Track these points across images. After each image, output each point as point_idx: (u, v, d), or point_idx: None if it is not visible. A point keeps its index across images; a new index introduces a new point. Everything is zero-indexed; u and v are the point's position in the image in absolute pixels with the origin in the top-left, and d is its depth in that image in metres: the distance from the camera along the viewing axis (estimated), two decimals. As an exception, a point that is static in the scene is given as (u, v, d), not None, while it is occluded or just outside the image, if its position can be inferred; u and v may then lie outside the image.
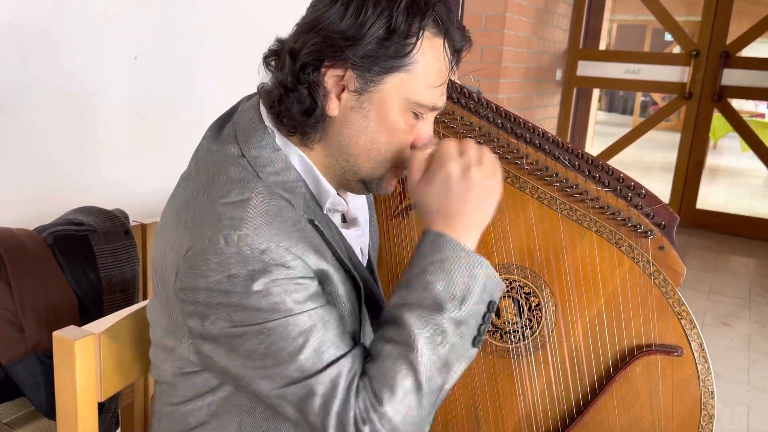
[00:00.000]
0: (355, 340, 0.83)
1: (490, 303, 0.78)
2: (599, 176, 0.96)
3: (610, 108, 14.27)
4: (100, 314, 1.27)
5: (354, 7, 0.76)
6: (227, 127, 0.86)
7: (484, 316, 0.78)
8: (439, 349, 0.75)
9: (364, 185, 0.87)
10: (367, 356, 0.80)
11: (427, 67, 0.80)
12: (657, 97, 11.40)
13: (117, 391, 0.96)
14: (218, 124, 0.88)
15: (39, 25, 1.60)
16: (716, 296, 3.47)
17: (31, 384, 1.19)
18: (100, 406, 1.05)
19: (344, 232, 0.90)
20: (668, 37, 10.40)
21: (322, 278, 0.80)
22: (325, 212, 0.85)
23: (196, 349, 0.82)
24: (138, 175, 1.93)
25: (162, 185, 1.92)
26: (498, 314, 1.00)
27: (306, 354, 0.74)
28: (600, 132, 9.28)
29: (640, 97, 12.38)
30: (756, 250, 4.36)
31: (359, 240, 0.95)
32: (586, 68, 5.00)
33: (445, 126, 1.02)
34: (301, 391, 0.75)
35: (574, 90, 5.12)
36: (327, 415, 0.74)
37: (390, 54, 0.77)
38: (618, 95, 13.93)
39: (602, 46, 5.61)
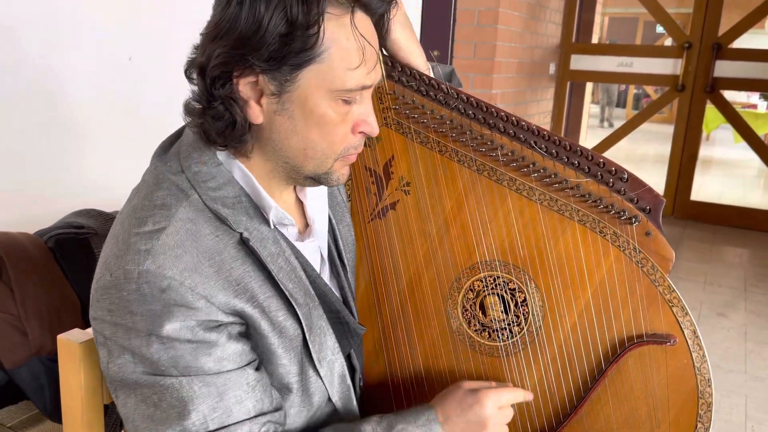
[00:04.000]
0: (274, 403, 0.82)
1: None
2: (579, 162, 0.91)
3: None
4: (102, 316, 1.28)
5: (247, 5, 0.70)
6: (175, 144, 0.83)
7: None
8: None
9: (314, 180, 0.83)
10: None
11: (341, 51, 0.73)
12: (650, 89, 11.43)
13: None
14: (168, 142, 0.86)
15: (33, 26, 1.60)
16: (711, 287, 3.50)
17: (35, 387, 1.19)
18: (105, 408, 1.05)
19: (300, 245, 0.86)
20: (660, 29, 10.43)
21: (241, 317, 0.77)
22: (272, 227, 0.82)
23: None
24: (136, 177, 1.94)
25: (159, 186, 1.92)
26: (484, 312, 0.97)
27: (192, 419, 0.73)
28: (593, 125, 9.31)
29: (633, 90, 12.41)
30: (750, 241, 4.39)
31: (317, 247, 0.92)
32: (579, 62, 5.01)
33: (415, 121, 0.97)
34: None
35: (568, 84, 5.14)
36: None
37: (296, 49, 0.71)
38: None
39: (595, 40, 5.62)
